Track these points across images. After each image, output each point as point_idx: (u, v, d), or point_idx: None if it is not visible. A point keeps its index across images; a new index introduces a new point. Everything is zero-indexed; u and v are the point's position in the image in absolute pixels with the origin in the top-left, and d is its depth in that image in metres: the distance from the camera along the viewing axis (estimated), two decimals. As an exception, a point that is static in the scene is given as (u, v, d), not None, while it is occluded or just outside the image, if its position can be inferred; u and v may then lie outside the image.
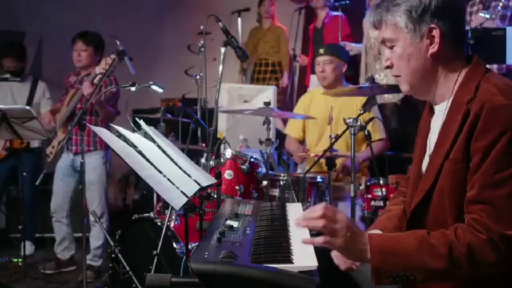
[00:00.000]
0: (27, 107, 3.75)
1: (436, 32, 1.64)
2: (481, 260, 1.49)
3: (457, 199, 1.59)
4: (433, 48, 1.66)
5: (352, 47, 5.63)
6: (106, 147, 4.39)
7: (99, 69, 3.85)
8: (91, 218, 4.13)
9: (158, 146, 2.31)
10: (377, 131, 3.94)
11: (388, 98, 5.15)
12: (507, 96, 1.53)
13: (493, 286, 1.58)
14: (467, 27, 4.37)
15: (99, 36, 4.46)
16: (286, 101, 6.36)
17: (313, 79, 5.90)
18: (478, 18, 4.38)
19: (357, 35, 5.83)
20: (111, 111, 4.30)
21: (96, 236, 4.36)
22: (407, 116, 5.18)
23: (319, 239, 1.55)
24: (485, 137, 1.52)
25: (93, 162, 4.28)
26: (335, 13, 5.99)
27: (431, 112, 1.79)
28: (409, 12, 1.65)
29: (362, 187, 3.65)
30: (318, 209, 1.55)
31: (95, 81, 3.90)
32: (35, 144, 5.04)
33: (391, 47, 1.71)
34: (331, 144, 3.44)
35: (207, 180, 2.33)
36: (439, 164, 1.63)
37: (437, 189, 1.63)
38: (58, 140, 4.29)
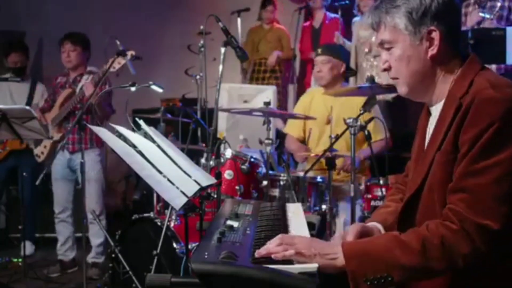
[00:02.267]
0: (27, 107, 3.74)
1: (435, 35, 1.64)
2: (455, 251, 1.47)
3: (445, 194, 1.58)
4: (433, 50, 1.65)
5: (345, 42, 5.70)
6: (101, 144, 4.45)
7: (103, 71, 3.91)
8: (89, 216, 4.13)
9: (158, 146, 2.31)
10: (377, 131, 3.93)
11: (381, 95, 5.15)
12: (497, 89, 1.54)
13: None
14: (463, 28, 4.37)
15: (85, 36, 4.51)
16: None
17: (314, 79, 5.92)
18: (474, 17, 4.38)
19: (350, 35, 5.87)
20: (109, 110, 4.40)
21: (96, 234, 4.38)
22: (399, 114, 5.20)
23: (290, 252, 1.49)
24: (473, 129, 1.51)
25: (91, 160, 4.29)
26: (333, 15, 6.03)
27: (429, 114, 1.79)
28: (410, 14, 1.64)
29: (362, 187, 3.65)
30: (275, 239, 1.54)
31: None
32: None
33: (389, 49, 1.71)
34: (331, 145, 3.44)
35: (207, 180, 2.32)
36: (431, 155, 1.64)
37: (428, 182, 1.63)
38: (53, 140, 4.30)
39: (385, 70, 1.74)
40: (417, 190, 1.67)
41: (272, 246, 1.51)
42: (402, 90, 1.74)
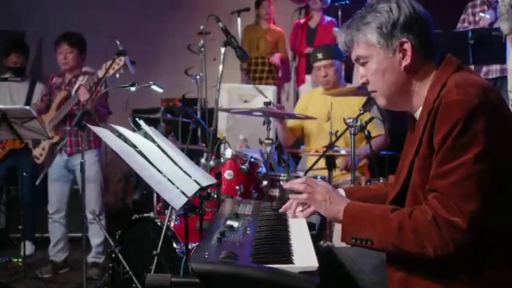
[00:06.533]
0: (27, 107, 3.74)
1: (407, 46, 1.69)
2: (425, 239, 1.56)
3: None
4: (406, 61, 1.70)
5: None
6: (99, 146, 4.44)
7: (101, 73, 3.89)
8: (89, 216, 4.13)
9: (158, 146, 2.31)
10: (376, 128, 3.92)
11: None
12: (460, 91, 1.58)
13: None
14: (471, 27, 4.36)
15: (81, 37, 4.49)
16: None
17: (308, 78, 5.95)
18: (484, 19, 4.37)
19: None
20: (105, 112, 4.40)
21: (96, 234, 4.38)
22: (404, 115, 5.17)
23: (303, 196, 1.84)
24: (440, 132, 1.58)
25: (88, 161, 4.27)
26: (329, 18, 6.09)
27: (414, 121, 1.82)
28: (380, 28, 1.69)
29: (362, 187, 3.64)
30: (301, 178, 1.89)
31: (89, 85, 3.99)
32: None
33: (365, 64, 1.76)
34: (331, 144, 3.44)
35: (207, 180, 2.33)
36: (410, 161, 1.70)
37: (411, 185, 1.70)
38: (50, 142, 4.30)
39: (363, 84, 1.80)
40: (400, 192, 1.74)
41: (296, 182, 1.85)
42: (381, 102, 1.80)
